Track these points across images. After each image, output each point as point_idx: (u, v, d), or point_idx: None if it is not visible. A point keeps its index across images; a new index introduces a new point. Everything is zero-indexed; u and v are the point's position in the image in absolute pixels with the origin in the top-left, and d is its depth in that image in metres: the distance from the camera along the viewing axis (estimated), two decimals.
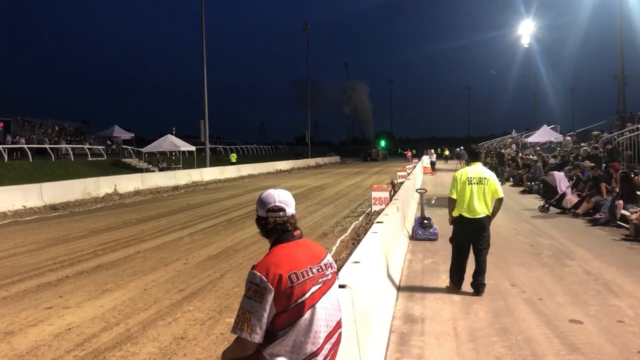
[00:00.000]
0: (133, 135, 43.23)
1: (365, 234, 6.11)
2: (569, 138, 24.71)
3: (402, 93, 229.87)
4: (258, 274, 2.02)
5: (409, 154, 53.82)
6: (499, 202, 5.82)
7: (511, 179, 21.85)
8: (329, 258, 2.25)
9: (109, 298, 6.29)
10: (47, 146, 30.12)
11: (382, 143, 78.07)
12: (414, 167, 28.18)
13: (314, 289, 2.08)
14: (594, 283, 6.14)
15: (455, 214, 5.87)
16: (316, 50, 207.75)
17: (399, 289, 6.03)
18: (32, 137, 32.46)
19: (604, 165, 13.56)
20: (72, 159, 29.46)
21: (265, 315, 1.99)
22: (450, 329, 4.68)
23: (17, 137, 30.72)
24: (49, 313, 5.74)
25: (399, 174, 23.99)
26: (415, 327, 4.77)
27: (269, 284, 1.99)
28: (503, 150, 26.65)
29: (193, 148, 33.47)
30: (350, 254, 6.60)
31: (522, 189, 18.26)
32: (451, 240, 6.05)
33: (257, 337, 2.00)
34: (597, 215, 10.61)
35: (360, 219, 12.78)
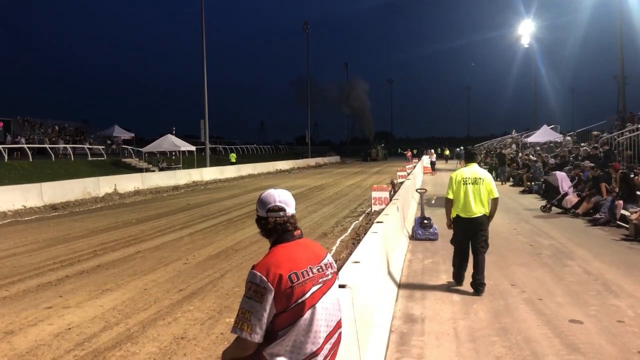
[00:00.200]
0: (133, 135, 43.27)
1: (365, 234, 6.12)
2: (569, 138, 24.71)
3: (402, 93, 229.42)
4: (258, 273, 2.02)
5: (409, 154, 53.81)
6: (494, 202, 5.91)
7: (511, 179, 21.85)
8: (329, 258, 2.25)
9: (109, 298, 6.29)
10: (47, 146, 30.13)
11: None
12: (414, 167, 28.20)
13: (314, 289, 2.08)
14: (594, 283, 6.14)
15: (452, 214, 6.01)
16: (316, 50, 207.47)
17: (399, 288, 6.03)
18: (32, 137, 32.48)
19: (601, 165, 13.53)
20: (72, 159, 29.48)
21: (265, 315, 1.99)
22: (450, 329, 4.68)
23: (18, 137, 30.74)
24: (49, 313, 5.74)
25: (399, 174, 24.00)
26: (415, 327, 4.77)
27: (269, 283, 1.99)
28: (504, 151, 26.63)
29: (193, 148, 33.48)
30: (350, 254, 6.60)
31: (522, 189, 18.27)
32: (452, 241, 6.20)
33: (257, 337, 2.00)
34: (597, 215, 10.61)
35: (360, 218, 12.78)
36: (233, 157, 43.99)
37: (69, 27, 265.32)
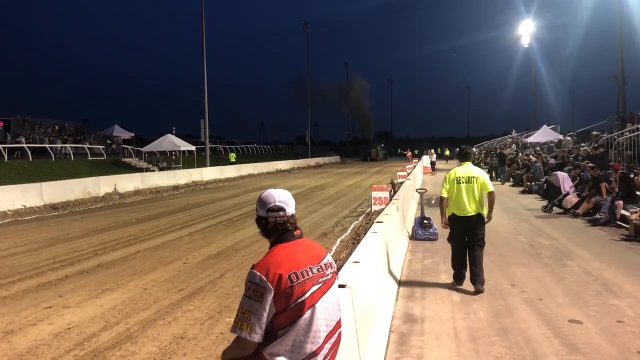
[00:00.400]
0: (133, 134, 43.32)
1: (365, 234, 6.13)
2: (569, 138, 24.70)
3: (402, 93, 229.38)
4: (258, 273, 2.02)
5: (409, 154, 53.81)
6: (489, 195, 5.93)
7: (511, 179, 21.86)
8: (328, 258, 2.25)
9: (108, 297, 6.29)
10: (47, 145, 30.14)
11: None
12: (414, 167, 28.20)
13: (313, 288, 2.08)
14: (594, 283, 6.14)
15: (448, 213, 6.08)
16: (316, 50, 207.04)
17: (399, 288, 6.03)
18: (32, 136, 32.48)
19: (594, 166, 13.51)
20: (72, 159, 29.48)
21: (265, 314, 1.99)
22: (450, 329, 4.68)
23: (20, 136, 30.75)
24: (48, 312, 5.74)
25: (399, 174, 24.01)
26: (415, 327, 4.77)
27: (268, 283, 1.99)
28: (504, 151, 26.64)
29: (193, 148, 33.49)
30: (350, 253, 6.60)
31: (522, 189, 18.27)
32: (449, 239, 6.25)
33: (257, 337, 2.00)
34: (597, 216, 10.61)
35: (360, 218, 12.78)
36: (233, 156, 43.99)
37: (69, 27, 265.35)
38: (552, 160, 19.51)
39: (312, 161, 54.53)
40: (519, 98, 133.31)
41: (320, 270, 2.15)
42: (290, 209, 2.22)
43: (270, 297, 1.99)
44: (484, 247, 6.03)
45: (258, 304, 1.99)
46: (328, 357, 2.15)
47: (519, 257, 7.65)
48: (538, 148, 26.10)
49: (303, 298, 2.03)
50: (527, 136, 31.56)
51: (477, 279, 5.76)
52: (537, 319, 4.91)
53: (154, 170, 29.59)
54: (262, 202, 2.22)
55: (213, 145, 45.73)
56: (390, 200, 11.47)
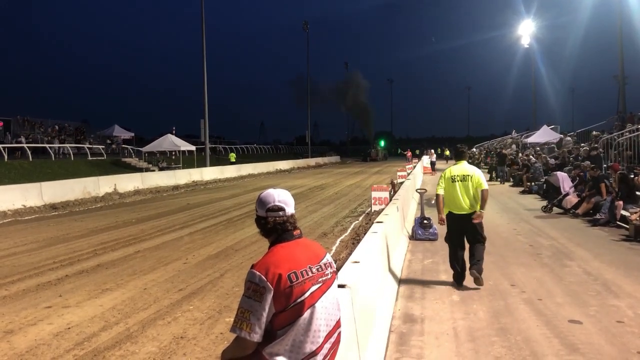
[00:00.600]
0: (133, 134, 43.30)
1: (365, 234, 6.13)
2: (569, 138, 24.69)
3: (402, 93, 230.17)
4: (257, 273, 2.02)
5: (409, 154, 53.82)
6: (482, 193, 5.99)
7: (511, 179, 21.86)
8: (328, 257, 2.25)
9: (108, 297, 6.29)
10: (47, 145, 30.14)
11: (382, 143, 77.98)
12: (414, 167, 28.19)
13: (313, 288, 2.08)
14: (594, 283, 6.14)
15: (445, 211, 6.16)
16: (316, 50, 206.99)
17: (399, 288, 6.03)
18: (32, 136, 32.48)
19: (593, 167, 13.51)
20: (72, 159, 29.48)
21: (265, 314, 1.99)
22: (449, 329, 4.68)
23: (20, 136, 30.73)
24: (48, 312, 5.74)
25: (399, 174, 24.00)
26: (414, 327, 4.77)
27: (268, 283, 1.99)
28: (504, 151, 26.63)
29: (193, 148, 33.49)
30: (350, 253, 6.60)
31: (522, 189, 18.26)
32: (446, 239, 6.30)
33: (256, 337, 2.00)
34: (597, 216, 10.61)
35: (360, 218, 12.78)
36: (232, 156, 44.00)
37: (69, 27, 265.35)
38: (552, 161, 19.50)
39: (312, 161, 54.54)
40: (519, 98, 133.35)
41: (319, 270, 2.15)
42: (290, 209, 2.22)
43: (269, 297, 1.99)
44: (485, 245, 6.09)
45: (258, 303, 1.99)
46: (328, 357, 2.15)
47: (518, 257, 7.65)
48: (538, 148, 26.08)
49: (302, 298, 2.03)
50: (527, 136, 31.55)
51: (475, 266, 5.82)
52: (537, 319, 4.91)
53: (154, 170, 29.59)
54: (261, 202, 2.22)
55: (213, 145, 45.74)
56: (390, 200, 11.47)
